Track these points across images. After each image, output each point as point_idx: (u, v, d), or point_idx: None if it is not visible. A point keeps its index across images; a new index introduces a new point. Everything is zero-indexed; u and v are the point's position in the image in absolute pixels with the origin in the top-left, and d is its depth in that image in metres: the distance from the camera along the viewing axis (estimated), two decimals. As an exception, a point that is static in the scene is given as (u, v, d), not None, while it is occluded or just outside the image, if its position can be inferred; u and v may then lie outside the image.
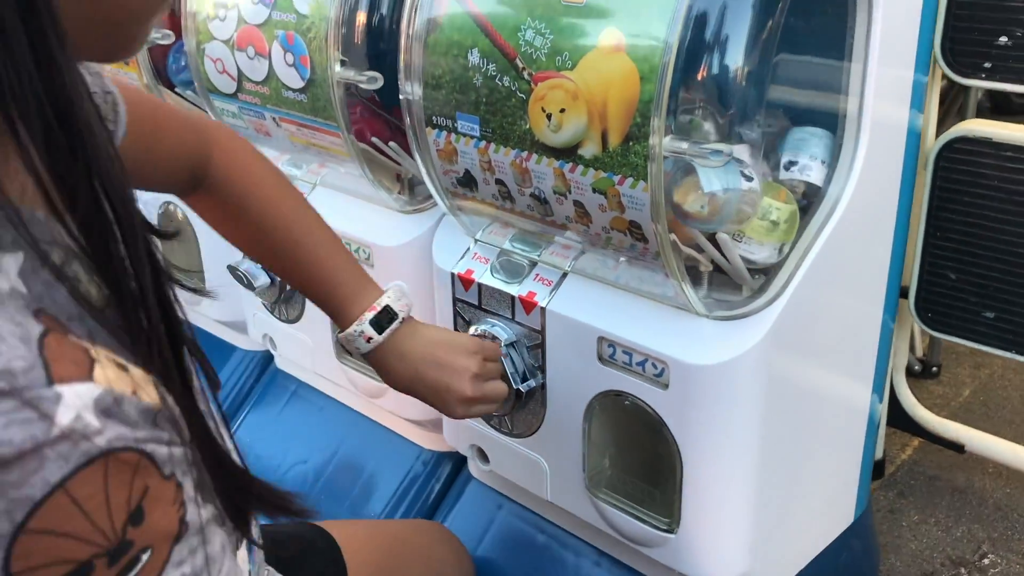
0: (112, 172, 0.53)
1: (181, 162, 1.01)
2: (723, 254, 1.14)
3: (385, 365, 1.11)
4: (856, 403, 1.43)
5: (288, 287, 1.64)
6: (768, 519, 1.27)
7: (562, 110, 1.10)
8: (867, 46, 1.15)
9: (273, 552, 0.88)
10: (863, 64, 1.16)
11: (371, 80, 1.35)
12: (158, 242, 0.60)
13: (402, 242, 1.48)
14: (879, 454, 1.82)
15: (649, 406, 1.19)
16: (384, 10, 1.38)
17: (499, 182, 1.23)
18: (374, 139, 1.44)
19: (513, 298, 1.29)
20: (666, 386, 1.16)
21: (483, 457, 1.46)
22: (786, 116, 1.18)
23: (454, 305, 1.38)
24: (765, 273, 1.17)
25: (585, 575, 1.42)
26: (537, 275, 1.30)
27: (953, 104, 2.03)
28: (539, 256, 1.31)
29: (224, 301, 1.85)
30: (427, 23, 1.23)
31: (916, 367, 2.25)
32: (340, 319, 1.09)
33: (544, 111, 1.12)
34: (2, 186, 0.51)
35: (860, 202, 1.19)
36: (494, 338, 1.29)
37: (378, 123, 1.46)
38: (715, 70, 1.04)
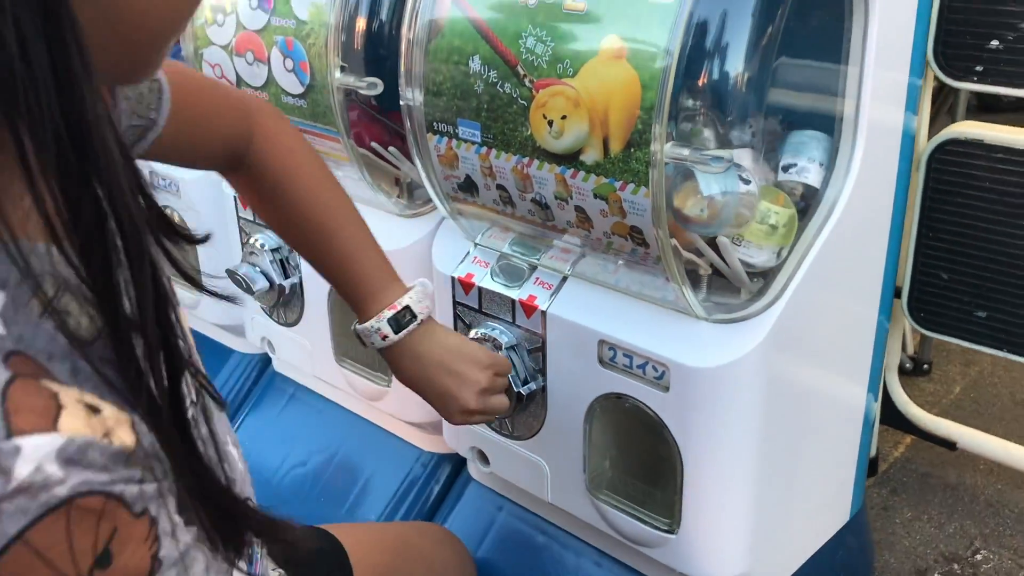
0: (126, 197, 0.51)
1: (222, 143, 1.01)
2: (722, 258, 1.15)
3: (397, 362, 1.12)
4: (852, 402, 1.45)
5: (287, 293, 1.64)
6: (767, 519, 1.28)
7: (563, 117, 1.11)
8: (863, 49, 1.17)
9: (285, 552, 0.88)
10: (859, 67, 1.17)
11: (371, 86, 1.35)
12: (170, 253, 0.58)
13: (402, 246, 1.49)
14: (872, 452, 1.84)
15: (650, 408, 1.20)
16: (383, 16, 1.38)
17: (500, 187, 1.24)
18: (373, 144, 1.45)
19: (513, 302, 1.30)
20: (667, 389, 1.17)
21: (483, 459, 1.47)
22: (784, 119, 1.20)
23: (454, 309, 1.39)
24: (764, 276, 1.18)
25: (586, 575, 1.44)
26: (537, 279, 1.31)
27: (944, 103, 2.05)
28: (539, 260, 1.32)
29: (222, 304, 1.85)
30: (428, 29, 1.24)
31: (907, 365, 2.28)
32: (360, 312, 1.10)
33: (545, 118, 1.13)
34: (6, 217, 0.51)
35: (857, 204, 1.20)
36: (495, 341, 1.30)
37: (377, 127, 1.46)
38: (716, 77, 1.05)
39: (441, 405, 1.13)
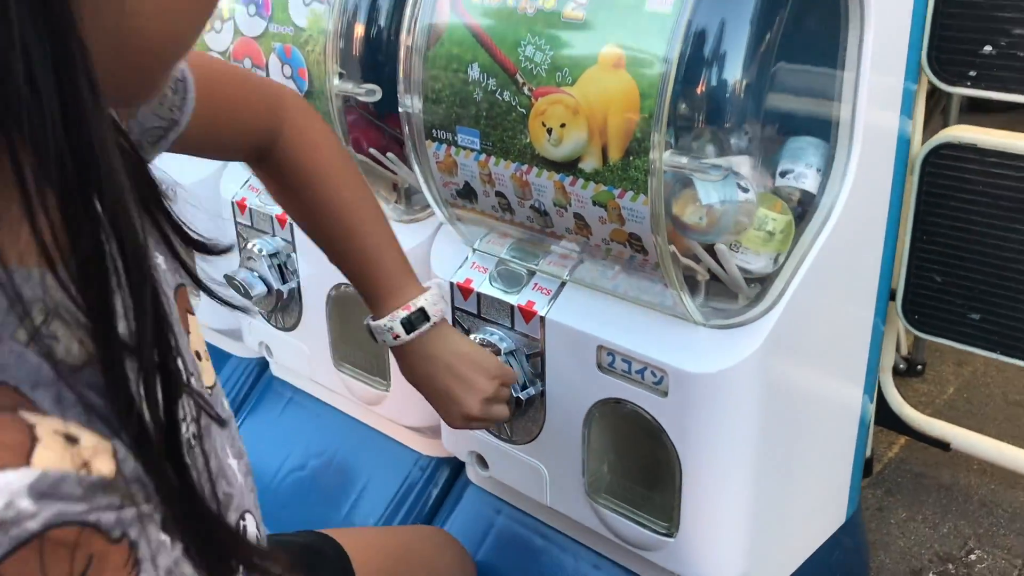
0: (132, 222, 0.50)
1: (247, 136, 1.01)
2: (720, 264, 1.16)
3: (406, 361, 1.13)
4: (848, 405, 1.46)
5: (285, 297, 1.65)
6: (765, 521, 1.29)
7: (562, 125, 1.11)
8: (859, 55, 1.17)
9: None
10: (856, 72, 1.18)
11: (369, 92, 1.36)
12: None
13: (400, 251, 1.49)
14: (867, 453, 1.85)
15: (648, 413, 1.21)
16: (382, 22, 1.39)
17: (499, 194, 1.24)
18: (371, 150, 1.45)
19: (512, 307, 1.31)
20: (665, 394, 1.18)
21: (482, 463, 1.47)
22: (781, 125, 1.20)
23: (453, 314, 1.39)
24: (761, 282, 1.19)
25: (585, 578, 1.45)
26: (536, 284, 1.31)
27: (936, 105, 2.07)
28: (537, 265, 1.32)
29: (219, 309, 1.85)
30: (427, 37, 1.24)
31: (901, 365, 2.29)
32: (375, 309, 1.11)
33: (544, 126, 1.13)
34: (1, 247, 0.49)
35: (853, 209, 1.21)
36: (494, 347, 1.31)
37: (375, 133, 1.47)
38: (714, 84, 1.06)
39: (444, 408, 1.15)
